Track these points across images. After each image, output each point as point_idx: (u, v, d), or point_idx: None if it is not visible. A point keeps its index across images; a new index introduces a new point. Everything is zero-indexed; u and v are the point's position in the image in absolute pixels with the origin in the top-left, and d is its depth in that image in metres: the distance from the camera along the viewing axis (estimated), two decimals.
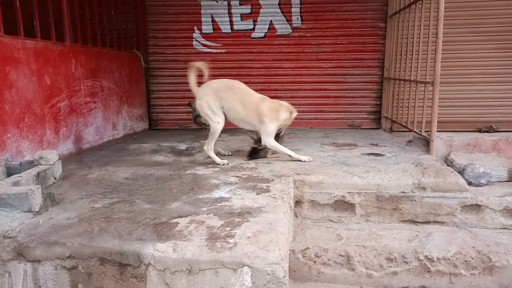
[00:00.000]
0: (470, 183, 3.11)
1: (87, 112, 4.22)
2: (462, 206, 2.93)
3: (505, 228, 2.89)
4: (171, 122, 5.85)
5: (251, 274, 1.86)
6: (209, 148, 3.48)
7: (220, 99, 3.46)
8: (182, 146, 4.42)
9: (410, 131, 4.30)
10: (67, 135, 3.88)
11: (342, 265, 2.66)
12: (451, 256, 2.57)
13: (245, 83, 5.74)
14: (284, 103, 3.61)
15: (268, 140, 3.45)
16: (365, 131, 5.26)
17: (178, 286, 1.92)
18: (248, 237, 2.02)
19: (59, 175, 3.06)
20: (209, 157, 3.52)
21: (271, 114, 3.42)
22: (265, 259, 1.86)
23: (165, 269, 1.92)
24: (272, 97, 5.57)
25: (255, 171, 3.26)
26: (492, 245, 2.65)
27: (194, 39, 5.69)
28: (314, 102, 5.65)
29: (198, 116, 5.31)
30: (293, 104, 5.75)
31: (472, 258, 2.54)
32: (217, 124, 3.45)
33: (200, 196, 2.65)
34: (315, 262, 2.66)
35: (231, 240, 1.99)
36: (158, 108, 5.86)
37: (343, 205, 3.05)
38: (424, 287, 2.57)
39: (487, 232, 2.86)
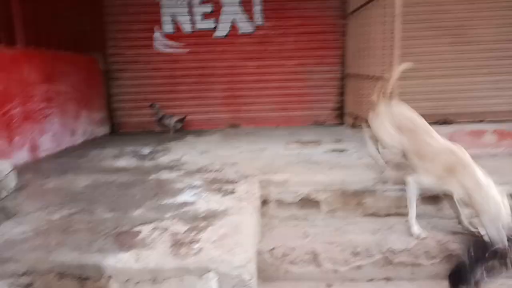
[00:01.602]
0: None
1: (43, 118, 4.03)
2: (422, 198, 3.04)
3: None
4: (134, 125, 5.70)
5: (217, 279, 1.84)
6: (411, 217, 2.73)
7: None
8: (146, 150, 4.32)
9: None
10: (22, 143, 3.69)
11: (309, 262, 2.68)
12: (412, 247, 2.66)
13: (210, 83, 5.79)
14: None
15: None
16: (330, 128, 5.36)
17: None
18: (214, 241, 2.00)
19: (13, 186, 2.91)
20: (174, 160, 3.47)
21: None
22: (231, 263, 1.85)
23: (127, 280, 1.86)
24: (236, 96, 5.64)
25: (221, 172, 3.24)
26: (450, 234, 2.77)
27: (155, 39, 5.57)
28: (279, 100, 5.69)
29: (162, 118, 5.23)
30: (258, 103, 5.84)
31: (431, 248, 2.64)
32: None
33: (164, 202, 2.59)
34: (282, 261, 2.68)
35: (196, 246, 1.97)
36: (120, 112, 5.70)
37: (309, 202, 3.09)
38: (388, 278, 2.65)
39: (445, 222, 2.97)
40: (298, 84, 5.64)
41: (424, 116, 5.03)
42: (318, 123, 5.67)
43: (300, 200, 3.07)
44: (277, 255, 2.68)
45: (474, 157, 3.60)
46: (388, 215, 3.06)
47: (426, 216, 3.06)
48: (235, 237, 2.04)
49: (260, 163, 3.44)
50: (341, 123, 5.58)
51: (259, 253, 2.66)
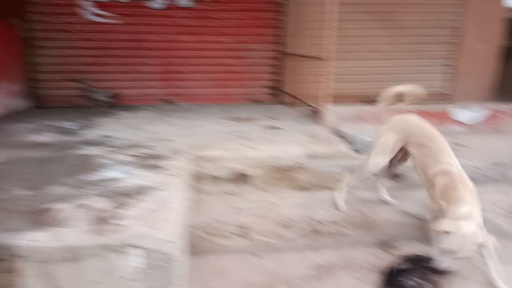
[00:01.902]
0: (357, 151, 3.40)
1: None
2: (349, 172, 3.20)
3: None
4: (62, 99, 5.29)
5: (142, 255, 1.80)
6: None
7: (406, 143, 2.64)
8: (73, 125, 4.04)
9: (307, 105, 4.53)
10: None
11: (240, 236, 2.73)
12: (338, 218, 2.81)
13: (145, 57, 5.52)
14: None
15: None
16: (267, 106, 5.41)
17: (60, 276, 1.77)
18: (139, 218, 1.95)
19: None
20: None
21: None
22: (157, 239, 1.81)
23: (44, 259, 1.75)
24: (172, 72, 5.46)
25: (153, 149, 3.14)
26: (373, 205, 2.96)
27: (83, 7, 5.15)
28: (217, 77, 5.60)
29: (93, 92, 4.92)
30: (195, 80, 5.71)
31: (356, 218, 2.81)
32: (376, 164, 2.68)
33: (89, 178, 2.46)
34: (214, 235, 2.70)
35: (121, 222, 1.90)
36: (46, 84, 5.25)
37: (243, 178, 3.12)
38: (315, 248, 2.77)
39: (371, 194, 3.18)
40: (236, 61, 5.59)
41: (357, 96, 5.30)
42: (256, 101, 5.70)
43: (233, 176, 3.09)
44: (209, 230, 2.69)
45: None
46: (318, 188, 3.19)
47: (354, 188, 3.24)
48: (162, 213, 2.00)
49: (194, 140, 3.39)
50: (279, 102, 5.65)
51: (191, 228, 2.65)
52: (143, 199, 2.16)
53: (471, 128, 4.20)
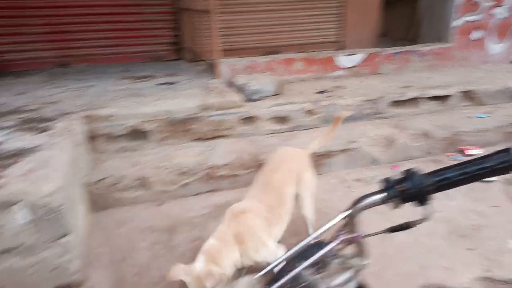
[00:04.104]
0: (248, 100, 3.64)
1: None
2: (240, 119, 3.45)
3: (273, 133, 3.56)
4: None
5: (25, 210, 1.85)
6: None
7: None
8: None
9: (204, 59, 4.61)
10: None
11: (140, 187, 2.87)
12: (231, 162, 3.07)
13: (30, 17, 5.00)
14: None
15: None
16: (167, 63, 5.37)
17: None
18: (20, 176, 1.97)
19: None
20: None
21: None
22: (38, 194, 1.87)
23: None
24: (62, 32, 5.08)
25: (37, 111, 3.04)
26: (262, 147, 3.27)
27: None
28: (113, 35, 5.35)
29: None
30: (89, 39, 5.38)
31: (247, 160, 3.10)
32: None
33: None
34: (114, 189, 2.79)
35: (1, 181, 1.91)
36: None
37: (138, 134, 3.19)
38: (212, 190, 3.03)
39: (260, 138, 3.48)
40: (132, 18, 5.36)
41: (253, 49, 5.49)
42: (155, 59, 5.60)
43: (128, 132, 3.14)
44: (107, 185, 2.78)
45: (287, 82, 4.20)
46: (212, 138, 3.40)
47: (246, 135, 3.50)
48: (44, 170, 2.03)
49: (84, 100, 3.33)
50: (180, 58, 5.63)
51: (91, 185, 2.72)
52: (23, 159, 2.15)
53: (351, 71, 4.68)
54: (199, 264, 1.61)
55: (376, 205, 0.89)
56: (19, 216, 1.86)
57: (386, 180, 0.89)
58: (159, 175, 2.93)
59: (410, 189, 0.85)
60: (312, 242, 0.94)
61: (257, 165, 3.10)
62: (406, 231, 0.90)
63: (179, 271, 1.58)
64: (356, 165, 3.33)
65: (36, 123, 2.76)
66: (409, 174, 0.87)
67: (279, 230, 1.96)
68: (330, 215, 0.96)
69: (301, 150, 2.34)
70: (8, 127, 2.67)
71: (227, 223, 1.81)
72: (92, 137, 3.07)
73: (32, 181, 1.92)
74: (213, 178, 3.02)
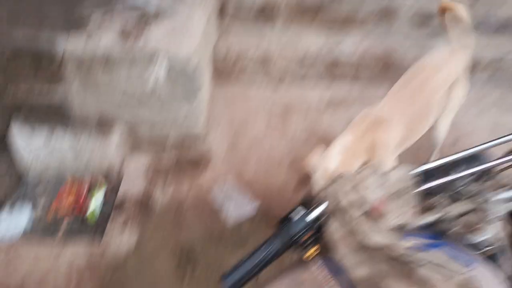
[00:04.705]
0: None
1: None
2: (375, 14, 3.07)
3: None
4: None
5: (164, 66, 1.99)
6: None
7: None
8: None
9: None
10: None
11: (261, 68, 2.88)
12: (358, 56, 2.85)
13: None
14: None
15: None
16: None
17: (97, 78, 2.03)
18: (163, 34, 2.08)
19: None
20: None
21: None
22: (179, 53, 1.99)
23: (79, 62, 1.99)
24: None
25: None
26: (398, 47, 2.93)
27: None
28: None
29: None
30: None
31: (376, 59, 2.84)
32: None
33: None
34: (235, 67, 2.86)
35: (146, 36, 2.05)
36: None
37: (267, 15, 3.07)
38: (332, 83, 2.90)
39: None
40: None
41: None
42: None
43: (258, 9, 3.04)
44: (230, 61, 2.86)
45: None
46: (342, 28, 3.12)
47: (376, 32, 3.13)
48: (183, 33, 2.11)
49: None
50: None
51: (214, 58, 2.81)
52: (164, 21, 2.23)
53: None
54: (333, 162, 1.50)
55: None
56: (161, 69, 2.01)
57: None
58: (281, 59, 2.88)
59: None
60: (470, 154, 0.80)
61: (386, 65, 2.86)
62: None
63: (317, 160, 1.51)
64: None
65: None
66: None
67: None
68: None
69: (460, 54, 1.88)
70: None
71: (361, 131, 1.60)
72: (222, 12, 3.05)
73: (174, 41, 2.03)
74: (336, 70, 2.87)
